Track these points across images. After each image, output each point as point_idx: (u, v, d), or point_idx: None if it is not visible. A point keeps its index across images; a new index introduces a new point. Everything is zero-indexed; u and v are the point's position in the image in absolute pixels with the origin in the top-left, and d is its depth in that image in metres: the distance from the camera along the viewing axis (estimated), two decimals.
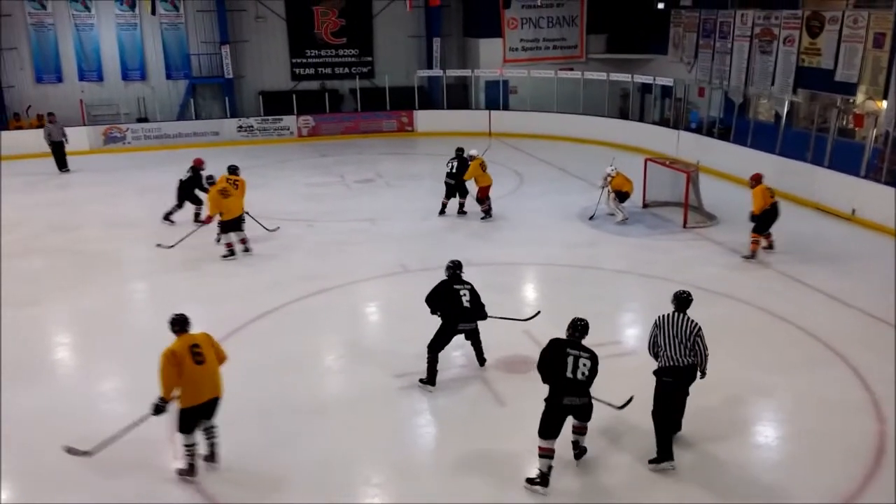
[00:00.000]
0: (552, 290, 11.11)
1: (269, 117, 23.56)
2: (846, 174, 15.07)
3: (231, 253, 12.47)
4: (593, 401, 6.66)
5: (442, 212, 15.01)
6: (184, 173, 14.25)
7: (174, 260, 12.42)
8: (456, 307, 8.21)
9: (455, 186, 14.86)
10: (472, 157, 14.66)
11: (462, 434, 7.47)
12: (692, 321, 6.84)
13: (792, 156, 16.42)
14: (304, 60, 25.32)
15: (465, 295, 8.23)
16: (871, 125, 15.91)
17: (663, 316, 6.92)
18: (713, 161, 18.16)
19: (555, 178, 18.13)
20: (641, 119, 22.85)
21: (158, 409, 6.48)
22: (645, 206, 15.34)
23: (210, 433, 6.89)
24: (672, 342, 6.75)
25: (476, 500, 6.48)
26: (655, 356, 6.90)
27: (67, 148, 19.47)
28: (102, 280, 11.66)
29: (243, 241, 12.61)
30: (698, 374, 6.90)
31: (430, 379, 8.25)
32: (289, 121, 23.62)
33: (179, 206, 14.24)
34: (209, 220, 12.50)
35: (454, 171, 14.75)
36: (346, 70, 25.58)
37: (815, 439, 7.32)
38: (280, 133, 23.51)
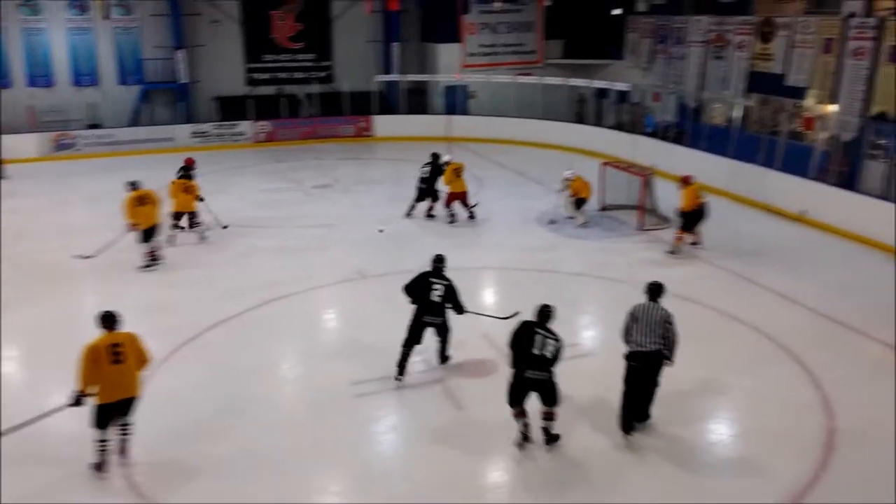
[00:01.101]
0: (510, 294, 11.17)
1: (225, 123, 23.35)
2: (796, 176, 15.47)
3: (154, 261, 12.27)
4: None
5: (409, 213, 15.09)
6: (175, 174, 14.12)
7: (128, 268, 12.22)
8: (425, 299, 8.37)
9: (426, 190, 14.96)
10: (446, 163, 14.77)
11: (420, 439, 7.49)
12: (663, 309, 7.29)
13: (744, 159, 16.80)
14: (261, 65, 25.15)
15: (437, 289, 8.37)
16: (820, 128, 16.35)
17: (637, 305, 7.37)
18: (668, 164, 18.39)
19: (514, 183, 18.26)
20: (598, 123, 23.14)
21: (74, 401, 6.60)
22: (602, 209, 15.54)
23: (124, 429, 6.98)
24: (643, 329, 7.20)
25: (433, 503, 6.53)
26: (626, 342, 7.31)
27: (7, 155, 18.99)
28: (48, 291, 11.40)
29: (152, 252, 12.22)
30: (665, 361, 7.27)
31: (397, 371, 8.41)
32: (245, 126, 23.42)
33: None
34: (133, 227, 12.04)
35: (428, 175, 14.87)
36: (304, 75, 25.48)
37: (767, 436, 7.49)
38: (236, 139, 23.30)
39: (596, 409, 7.96)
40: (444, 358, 8.87)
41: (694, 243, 13.15)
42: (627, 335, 7.35)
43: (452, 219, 14.59)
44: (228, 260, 12.77)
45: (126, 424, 6.97)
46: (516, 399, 7.12)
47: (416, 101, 25.35)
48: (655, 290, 7.45)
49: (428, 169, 14.94)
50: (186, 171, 14.14)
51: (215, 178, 18.22)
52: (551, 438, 7.27)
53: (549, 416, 7.24)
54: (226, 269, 12.28)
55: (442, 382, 8.48)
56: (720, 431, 7.75)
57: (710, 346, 9.31)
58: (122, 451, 7.03)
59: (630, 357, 7.32)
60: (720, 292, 11.16)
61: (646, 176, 14.75)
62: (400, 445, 7.54)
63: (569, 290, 11.25)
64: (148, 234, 12.07)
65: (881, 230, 13.42)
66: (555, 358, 7.00)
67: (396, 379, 8.43)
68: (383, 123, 24.33)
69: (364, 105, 24.49)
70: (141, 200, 11.94)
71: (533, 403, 7.32)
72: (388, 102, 25.30)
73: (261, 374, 8.80)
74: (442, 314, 8.51)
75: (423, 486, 6.77)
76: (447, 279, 8.52)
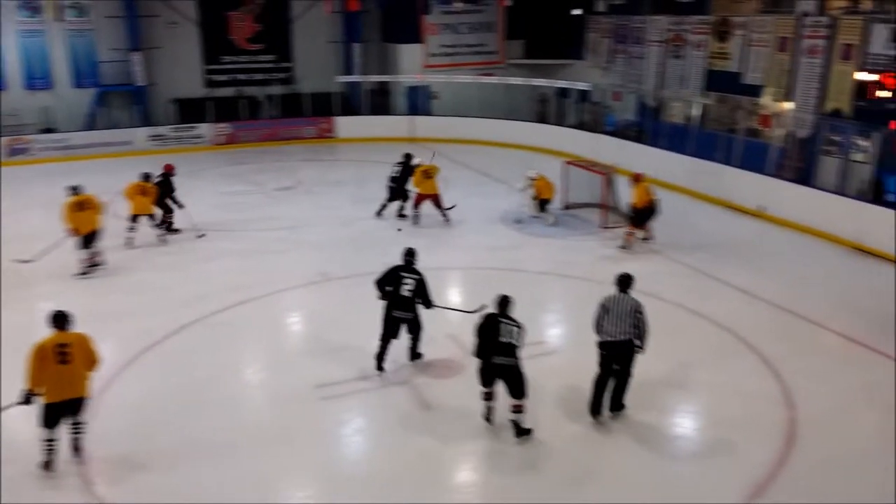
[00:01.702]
0: (475, 293, 11.13)
1: (183, 125, 23.03)
2: (754, 173, 15.75)
3: (93, 266, 12.06)
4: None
5: (380, 213, 15.11)
6: (154, 180, 13.90)
7: (92, 273, 11.98)
8: (395, 294, 8.41)
9: (396, 190, 14.96)
10: (418, 165, 14.80)
11: (386, 441, 7.48)
12: (634, 299, 7.52)
13: (703, 156, 17.05)
14: (220, 67, 24.85)
15: (408, 283, 8.41)
16: (776, 125, 16.64)
17: (608, 296, 7.59)
18: (629, 162, 18.55)
19: (478, 183, 18.30)
20: (560, 123, 23.31)
21: (24, 399, 6.64)
22: (566, 207, 15.65)
23: (76, 429, 6.99)
24: (613, 319, 7.43)
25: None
26: (598, 332, 7.55)
27: None
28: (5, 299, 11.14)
29: (92, 258, 11.99)
30: (637, 350, 7.50)
31: (376, 363, 8.58)
32: (204, 129, 23.13)
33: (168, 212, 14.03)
34: (72, 233, 11.83)
35: (398, 175, 14.88)
36: (264, 76, 25.25)
37: (730, 427, 7.61)
38: (194, 141, 22.99)
39: (565, 401, 8.07)
40: (414, 355, 8.87)
41: (645, 239, 13.39)
42: (599, 326, 7.56)
43: (416, 220, 14.56)
44: (189, 264, 12.60)
45: (78, 423, 6.97)
46: (485, 380, 7.46)
47: (379, 101, 25.27)
48: (625, 282, 7.65)
49: (399, 169, 14.95)
50: (166, 177, 13.95)
51: (175, 181, 17.92)
52: (521, 432, 7.37)
53: (517, 409, 7.36)
54: (186, 274, 12.11)
55: (409, 383, 8.46)
56: (684, 424, 7.87)
57: (672, 339, 9.41)
58: (76, 449, 7.02)
59: (602, 346, 7.54)
60: (681, 287, 11.30)
61: (607, 174, 14.90)
62: (366, 447, 7.51)
63: (534, 289, 11.31)
64: (87, 239, 11.83)
65: (836, 224, 13.73)
66: (518, 342, 7.30)
67: (377, 370, 8.55)
68: (346, 124, 24.22)
69: (326, 106, 24.35)
70: (80, 206, 11.73)
71: (502, 400, 7.35)
72: (351, 103, 25.20)
73: (223, 378, 8.69)
74: (412, 309, 8.54)
75: (389, 486, 6.75)
76: (418, 273, 8.56)
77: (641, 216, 13.15)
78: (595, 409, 7.68)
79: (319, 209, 16.05)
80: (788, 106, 16.61)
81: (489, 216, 15.29)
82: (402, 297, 8.43)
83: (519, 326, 7.35)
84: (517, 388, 7.32)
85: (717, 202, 16.35)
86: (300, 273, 12.01)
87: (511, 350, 7.27)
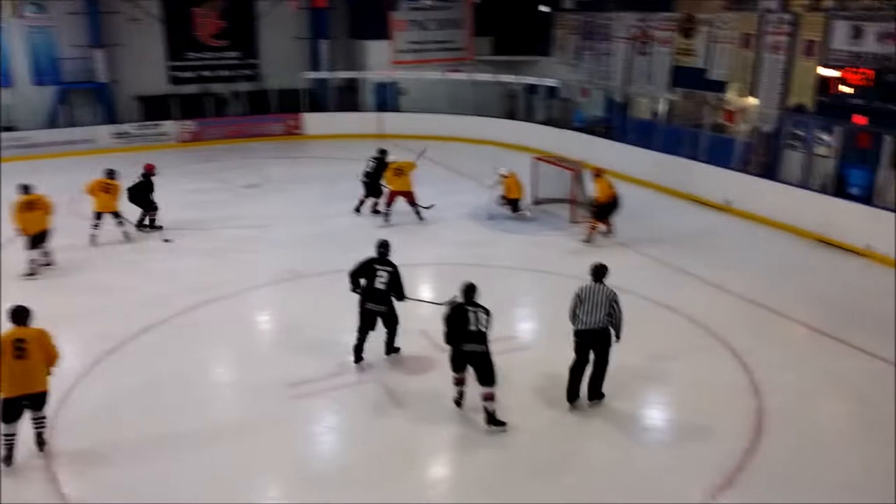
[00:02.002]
0: (446, 288, 11.11)
1: (148, 123, 22.69)
2: (720, 167, 15.97)
3: (45, 266, 11.88)
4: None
5: (358, 209, 15.10)
6: (135, 179, 13.78)
7: (50, 273, 11.74)
8: (369, 286, 8.45)
9: (370, 186, 14.94)
10: (392, 161, 14.73)
11: (360, 440, 7.43)
12: (608, 288, 7.71)
13: (670, 151, 17.24)
14: (184, 63, 24.50)
15: (381, 276, 8.44)
16: (741, 120, 16.85)
17: (583, 286, 7.77)
18: (597, 158, 18.60)
19: (447, 179, 18.29)
20: (529, 119, 23.38)
21: None
22: (535, 203, 15.69)
23: (37, 423, 6.98)
24: (588, 308, 7.60)
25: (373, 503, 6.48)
26: (573, 322, 7.71)
27: None
28: None
29: (40, 258, 11.80)
30: (613, 338, 7.68)
31: (354, 356, 8.64)
32: (168, 126, 22.79)
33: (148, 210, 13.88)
34: (20, 233, 11.66)
35: (372, 171, 14.85)
36: (230, 73, 24.94)
37: (700, 418, 7.69)
38: (159, 139, 22.63)
39: (542, 389, 8.17)
40: (390, 349, 8.85)
41: (607, 233, 13.56)
42: (574, 315, 7.71)
43: (387, 218, 14.46)
44: (155, 263, 12.40)
45: (39, 418, 6.94)
46: (456, 365, 7.61)
47: (347, 98, 25.13)
48: (599, 272, 7.83)
49: (374, 164, 14.92)
50: (147, 177, 13.82)
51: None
52: (493, 421, 7.43)
53: (489, 397, 7.46)
54: (152, 274, 11.92)
55: (380, 381, 8.42)
56: (656, 414, 7.96)
57: (641, 331, 9.42)
58: (39, 444, 7.02)
59: (577, 335, 7.69)
60: (649, 280, 11.41)
61: (576, 170, 14.97)
62: (339, 443, 7.46)
63: (504, 284, 11.33)
64: (36, 240, 11.62)
65: (801, 217, 13.95)
66: (487, 328, 7.48)
67: (356, 362, 8.63)
68: (313, 121, 24.06)
69: (293, 103, 24.13)
70: (29, 205, 11.53)
71: (473, 387, 7.35)
72: (318, 100, 25.03)
73: (191, 376, 8.58)
74: (386, 302, 8.55)
75: (363, 480, 6.71)
76: (392, 265, 8.57)
77: (604, 210, 13.31)
78: (571, 396, 7.80)
79: (288, 207, 15.92)
80: (753, 101, 16.84)
81: (460, 212, 15.29)
82: (377, 289, 8.45)
83: (486, 312, 7.51)
84: (486, 375, 7.44)
85: (684, 196, 16.52)
86: (269, 271, 11.90)
87: (480, 337, 7.43)
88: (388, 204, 14.53)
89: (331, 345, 9.11)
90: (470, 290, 7.61)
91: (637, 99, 20.65)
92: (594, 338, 7.63)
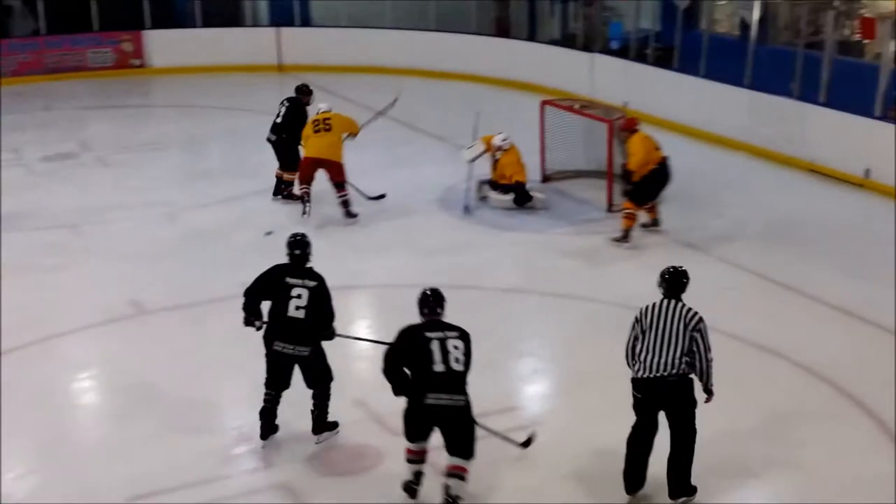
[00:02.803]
0: (392, 329, 11.13)
1: None
2: (853, 114, 16.08)
3: None
4: (492, 433, 8.26)
5: (278, 192, 15.06)
6: None
7: None
8: (276, 313, 8.48)
9: (281, 149, 14.94)
10: (319, 111, 14.66)
11: None
12: (690, 311, 7.78)
13: (769, 89, 17.39)
14: None
15: (298, 295, 8.42)
16: (886, 35, 16.98)
17: (646, 308, 7.90)
18: (648, 102, 18.86)
19: (398, 140, 18.24)
20: (532, 37, 23.47)
21: None
22: (544, 179, 15.73)
23: None
24: (655, 343, 7.68)
25: None
26: (632, 364, 7.87)
27: None
28: None
29: None
30: (703, 390, 7.81)
31: (262, 429, 8.70)
32: None
33: None
34: None
35: (282, 122, 14.87)
36: None
37: None
38: None
39: (583, 478, 8.29)
40: (321, 425, 8.85)
41: (652, 224, 13.75)
42: (633, 354, 7.86)
43: (305, 207, 14.35)
44: None
45: None
46: (418, 432, 7.76)
47: (221, 4, 25.10)
48: (675, 282, 7.95)
49: (285, 111, 14.94)
50: None
51: None
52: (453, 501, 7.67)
53: (456, 473, 7.66)
54: None
55: (285, 487, 8.39)
56: None
57: (731, 391, 9.47)
58: None
59: (637, 385, 7.77)
60: (739, 307, 11.41)
61: (614, 122, 15.00)
62: None
63: (496, 318, 11.29)
64: None
65: None
66: (466, 365, 7.63)
67: (262, 438, 8.73)
68: (163, 44, 24.21)
69: (128, 13, 24.10)
70: None
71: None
72: (172, 8, 24.94)
73: None
74: (307, 340, 8.51)
75: None
76: (316, 278, 8.58)
77: (644, 188, 13.35)
78: (632, 482, 7.89)
79: (122, 192, 15.84)
80: None
81: (421, 198, 15.34)
82: (291, 319, 8.42)
83: (462, 335, 7.67)
84: (461, 441, 7.64)
85: (794, 163, 16.69)
86: (94, 303, 11.81)
87: (454, 382, 7.54)
88: (303, 181, 14.40)
89: (203, 428, 9.09)
90: (431, 301, 7.82)
91: (714, 1, 20.78)
92: (665, 392, 7.69)
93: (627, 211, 13.39)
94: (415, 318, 8.14)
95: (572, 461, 8.51)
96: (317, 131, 14.24)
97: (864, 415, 9.36)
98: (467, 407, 7.61)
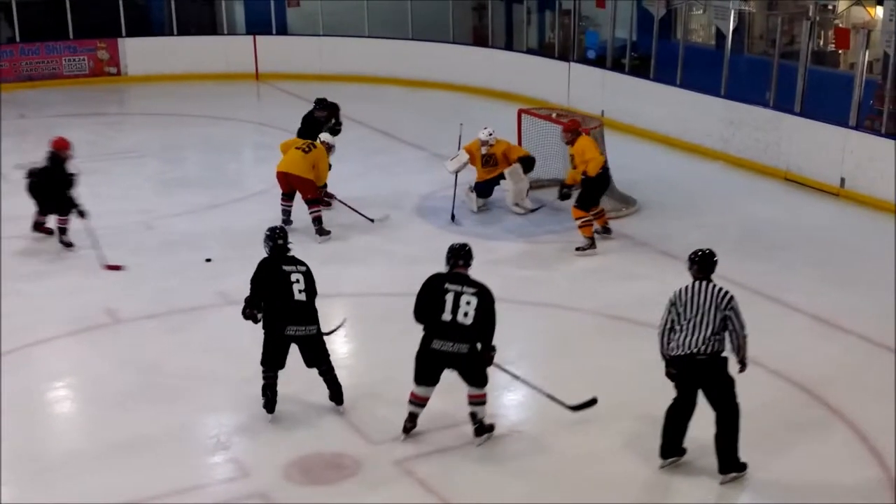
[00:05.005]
0: (377, 340, 11.23)
1: None
2: (828, 124, 16.18)
3: None
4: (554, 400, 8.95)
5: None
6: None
7: None
8: (283, 299, 8.89)
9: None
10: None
11: None
12: (720, 290, 8.15)
13: (745, 98, 17.50)
14: None
15: (297, 280, 8.98)
16: (860, 45, 17.03)
17: (680, 289, 8.26)
18: (624, 111, 18.95)
19: (375, 148, 18.23)
20: (509, 46, 23.47)
21: None
22: None
23: None
24: (690, 322, 8.06)
25: None
26: (666, 345, 8.21)
27: None
28: None
29: None
30: (737, 362, 8.18)
31: (265, 404, 9.15)
32: None
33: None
34: None
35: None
36: None
37: None
38: None
39: None
40: (340, 393, 9.29)
41: (603, 230, 13.90)
42: (667, 336, 8.18)
43: (285, 217, 14.29)
44: None
45: None
46: (421, 375, 8.63)
47: (198, 11, 25.01)
48: (706, 263, 8.29)
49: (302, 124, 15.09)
50: (56, 161, 13.85)
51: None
52: (483, 429, 8.71)
53: (476, 401, 8.66)
54: None
55: (262, 495, 8.32)
56: None
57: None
58: None
59: (673, 363, 8.13)
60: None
61: (590, 130, 14.99)
62: None
63: None
64: None
65: None
66: (480, 320, 8.34)
67: (269, 411, 9.17)
68: (139, 52, 24.19)
69: (104, 21, 24.05)
70: None
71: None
72: (148, 14, 24.89)
73: None
74: (313, 319, 9.07)
75: None
76: (302, 262, 9.19)
77: (593, 189, 13.43)
78: (668, 448, 8.29)
79: (99, 201, 15.65)
80: (879, 13, 17.00)
81: (398, 206, 15.34)
82: (298, 303, 8.91)
83: (479, 292, 8.38)
84: (472, 375, 8.55)
85: (771, 173, 16.77)
86: (70, 312, 11.79)
87: (458, 332, 8.31)
88: (283, 195, 14.33)
89: (180, 436, 9.08)
90: (458, 255, 8.59)
91: (688, 11, 20.81)
92: (699, 369, 8.02)
93: (583, 220, 13.43)
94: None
95: (552, 468, 8.59)
96: (297, 148, 14.23)
97: (841, 423, 9.39)
98: (471, 353, 8.39)
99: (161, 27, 24.68)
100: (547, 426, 9.30)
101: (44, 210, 14.00)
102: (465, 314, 8.28)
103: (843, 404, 9.65)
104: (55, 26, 23.89)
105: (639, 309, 11.39)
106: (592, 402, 8.99)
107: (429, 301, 8.42)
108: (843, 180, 15.75)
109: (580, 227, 13.41)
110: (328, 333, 9.34)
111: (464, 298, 8.29)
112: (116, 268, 13.03)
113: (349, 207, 14.27)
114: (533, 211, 14.80)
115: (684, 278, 12.28)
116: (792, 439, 9.16)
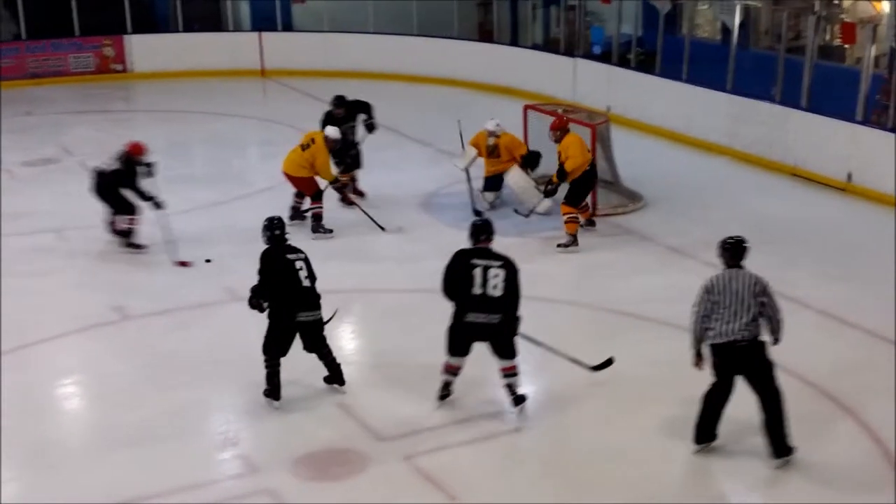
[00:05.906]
0: (383, 336, 11.27)
1: None
2: (833, 118, 16.16)
3: None
4: (568, 359, 9.47)
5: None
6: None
7: None
8: (291, 286, 9.15)
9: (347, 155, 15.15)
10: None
11: None
12: (753, 277, 8.40)
13: (752, 93, 17.50)
14: None
15: (301, 268, 9.27)
16: (867, 40, 17.03)
17: (715, 277, 8.46)
18: (630, 106, 18.93)
19: (379, 144, 18.18)
20: (514, 41, 23.45)
21: None
22: None
23: None
24: (728, 310, 8.24)
25: None
26: (703, 332, 8.37)
27: None
28: None
29: None
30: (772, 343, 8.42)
31: (272, 391, 9.31)
32: None
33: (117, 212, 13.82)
34: None
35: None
36: None
37: None
38: None
39: None
40: (340, 374, 9.55)
41: (588, 223, 14.04)
42: (703, 323, 8.35)
43: (293, 213, 14.37)
44: None
45: None
46: (454, 346, 9.02)
47: (202, 8, 25.02)
48: (737, 250, 8.53)
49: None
50: (130, 162, 13.81)
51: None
52: (518, 399, 8.99)
53: (509, 373, 8.99)
54: None
55: (270, 492, 8.33)
56: None
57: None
58: None
59: (714, 351, 8.30)
60: None
61: (597, 126, 15.01)
62: None
63: None
64: None
65: None
66: (509, 292, 8.74)
67: (272, 400, 9.31)
68: (145, 48, 24.23)
69: (110, 18, 24.11)
70: None
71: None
72: (154, 11, 24.89)
73: None
74: (317, 304, 9.33)
75: None
76: (300, 249, 9.47)
77: (580, 187, 13.53)
78: (703, 433, 8.47)
79: None
80: (885, 7, 17.02)
81: (401, 201, 15.41)
82: (305, 289, 9.20)
83: (506, 264, 8.74)
84: (503, 348, 8.89)
85: (779, 168, 16.78)
86: (77, 308, 11.82)
87: (495, 305, 8.68)
88: (295, 194, 14.47)
89: (188, 433, 9.10)
90: (481, 230, 8.99)
91: (694, 7, 20.80)
92: (739, 356, 8.20)
93: (570, 216, 13.51)
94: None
95: (557, 463, 8.65)
96: (299, 145, 14.26)
97: (849, 418, 9.40)
98: (502, 323, 8.75)
99: (167, 24, 24.69)
100: (555, 421, 9.32)
101: (117, 210, 13.90)
102: (495, 286, 8.62)
103: (850, 399, 9.67)
104: (61, 24, 23.92)
105: (644, 304, 11.46)
106: (610, 361, 9.53)
107: (457, 276, 8.74)
108: (850, 175, 15.75)
109: (566, 222, 13.53)
110: (326, 322, 9.45)
111: (491, 272, 8.65)
112: (186, 264, 13.10)
113: (365, 213, 14.25)
114: (530, 215, 14.74)
115: (690, 274, 12.41)
116: (799, 433, 9.15)
